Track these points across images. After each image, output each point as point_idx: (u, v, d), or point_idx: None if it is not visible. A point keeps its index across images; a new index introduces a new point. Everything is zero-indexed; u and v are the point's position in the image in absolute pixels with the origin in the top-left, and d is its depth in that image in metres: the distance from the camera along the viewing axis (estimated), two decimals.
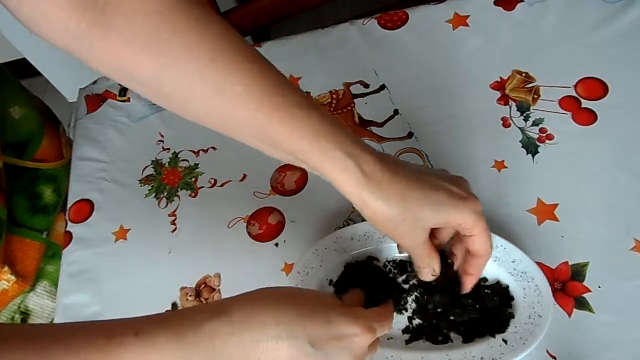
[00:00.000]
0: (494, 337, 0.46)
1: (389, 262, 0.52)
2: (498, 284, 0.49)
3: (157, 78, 0.41)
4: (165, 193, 0.63)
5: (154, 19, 0.38)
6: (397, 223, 0.41)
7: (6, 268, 0.60)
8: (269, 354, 0.35)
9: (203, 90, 0.40)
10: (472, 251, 0.44)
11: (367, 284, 0.49)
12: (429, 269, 0.45)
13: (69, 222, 0.63)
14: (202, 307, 0.37)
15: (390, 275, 0.51)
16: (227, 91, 0.40)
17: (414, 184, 0.41)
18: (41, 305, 0.65)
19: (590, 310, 0.47)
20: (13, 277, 0.61)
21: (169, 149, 0.66)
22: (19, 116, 0.65)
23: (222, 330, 0.35)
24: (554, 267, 0.50)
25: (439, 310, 0.48)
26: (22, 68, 1.60)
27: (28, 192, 0.65)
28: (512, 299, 0.48)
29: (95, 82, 0.74)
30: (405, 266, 0.51)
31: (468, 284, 0.45)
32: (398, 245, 0.50)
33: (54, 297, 0.65)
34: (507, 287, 0.48)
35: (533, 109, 0.58)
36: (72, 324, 0.35)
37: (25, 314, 0.64)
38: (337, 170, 0.40)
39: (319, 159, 0.40)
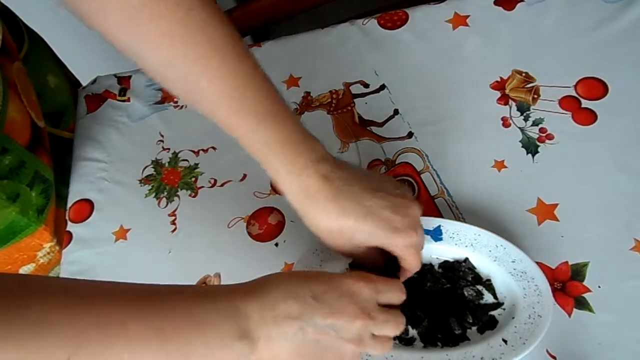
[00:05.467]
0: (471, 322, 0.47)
1: None
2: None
3: (133, 53, 0.42)
4: (165, 193, 0.63)
5: (135, 0, 0.39)
6: (332, 238, 0.43)
7: (55, 241, 0.62)
8: (280, 313, 0.37)
9: (172, 76, 0.43)
10: (401, 266, 0.45)
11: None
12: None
13: (69, 222, 0.63)
14: (217, 286, 0.41)
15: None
16: (193, 83, 0.42)
17: (352, 208, 0.42)
18: None
19: (590, 310, 0.47)
20: (57, 248, 0.62)
21: (169, 149, 0.66)
22: (54, 85, 0.66)
23: (246, 296, 0.38)
24: (554, 267, 0.50)
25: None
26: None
27: (62, 163, 0.67)
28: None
29: (94, 81, 0.74)
30: None
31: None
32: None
33: None
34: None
35: (533, 109, 0.58)
36: (123, 285, 0.40)
37: None
38: (281, 182, 0.43)
39: (267, 167, 0.43)
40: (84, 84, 0.75)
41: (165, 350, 0.35)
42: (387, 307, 0.40)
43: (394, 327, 0.40)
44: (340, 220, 0.42)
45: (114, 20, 0.40)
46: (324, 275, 0.40)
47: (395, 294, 0.41)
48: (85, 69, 0.78)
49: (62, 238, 0.62)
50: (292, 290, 0.38)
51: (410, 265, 0.44)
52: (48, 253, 0.62)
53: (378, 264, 0.45)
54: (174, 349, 0.35)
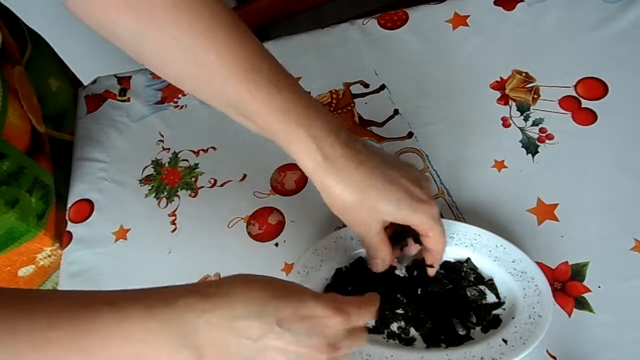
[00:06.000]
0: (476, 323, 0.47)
1: None
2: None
3: (136, 37, 0.41)
4: (165, 193, 0.63)
5: None
6: (353, 210, 0.42)
7: (57, 245, 0.61)
8: (239, 332, 0.34)
9: (178, 56, 0.41)
10: (426, 248, 0.45)
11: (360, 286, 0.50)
12: (380, 261, 0.46)
13: (69, 222, 0.63)
14: (177, 286, 0.37)
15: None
16: (201, 59, 0.40)
17: (377, 176, 0.41)
18: None
19: (590, 310, 0.47)
20: (60, 251, 0.62)
21: (169, 149, 0.66)
22: (55, 88, 0.66)
23: (195, 307, 0.34)
24: (554, 267, 0.49)
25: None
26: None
27: (65, 165, 0.66)
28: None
29: (94, 81, 0.74)
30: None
31: (430, 272, 0.48)
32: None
33: None
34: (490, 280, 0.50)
35: (533, 109, 0.58)
36: (54, 291, 0.36)
37: None
38: (301, 151, 0.41)
39: (285, 138, 0.41)
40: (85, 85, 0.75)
41: None
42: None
43: (355, 348, 0.38)
44: (365, 190, 0.41)
45: (115, 9, 0.39)
46: (293, 292, 0.36)
47: (367, 316, 0.39)
48: (86, 69, 0.78)
49: (62, 241, 0.62)
50: (257, 308, 0.35)
51: (437, 242, 0.44)
52: (49, 256, 0.61)
53: (385, 251, 0.45)
54: None
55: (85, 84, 0.75)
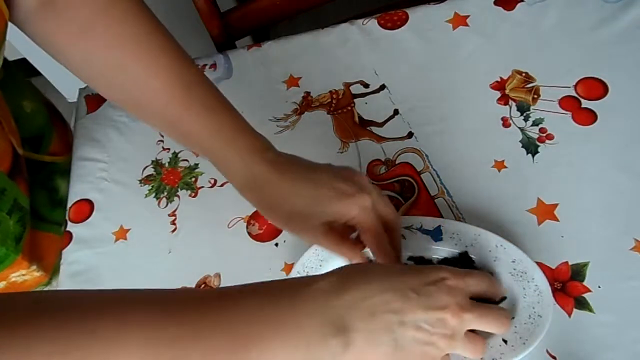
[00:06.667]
0: None
1: None
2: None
3: (86, 61, 0.45)
4: (165, 193, 0.63)
5: (91, 8, 0.43)
6: (289, 221, 0.45)
7: (34, 267, 0.61)
8: (377, 308, 0.35)
9: (123, 79, 0.45)
10: (375, 250, 0.46)
11: None
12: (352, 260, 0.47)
13: (69, 222, 0.63)
14: (300, 278, 0.40)
15: None
16: (143, 83, 0.44)
17: (300, 184, 0.44)
18: None
19: (590, 310, 0.47)
20: (37, 274, 0.61)
21: (169, 149, 0.66)
22: (30, 110, 0.66)
23: (332, 290, 0.36)
24: (554, 267, 0.50)
25: None
26: (23, 68, 1.60)
27: (46, 186, 0.66)
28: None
29: None
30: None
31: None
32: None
33: None
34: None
35: (533, 109, 0.58)
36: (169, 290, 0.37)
37: None
38: (230, 171, 0.45)
39: (216, 157, 0.46)
40: (69, 99, 0.75)
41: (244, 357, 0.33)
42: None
43: (492, 321, 0.39)
44: (290, 199, 0.43)
45: (68, 33, 0.43)
46: (412, 267, 0.40)
47: (485, 285, 0.41)
48: (72, 84, 0.77)
49: (45, 264, 0.62)
50: (389, 283, 0.37)
51: (366, 225, 0.45)
52: (23, 275, 0.61)
53: (347, 250, 0.46)
54: (255, 355, 0.33)
55: (69, 99, 0.74)
